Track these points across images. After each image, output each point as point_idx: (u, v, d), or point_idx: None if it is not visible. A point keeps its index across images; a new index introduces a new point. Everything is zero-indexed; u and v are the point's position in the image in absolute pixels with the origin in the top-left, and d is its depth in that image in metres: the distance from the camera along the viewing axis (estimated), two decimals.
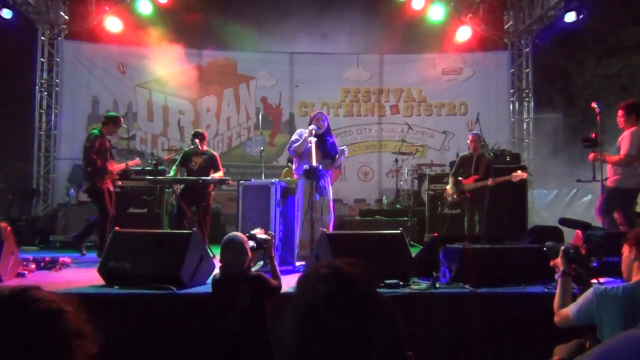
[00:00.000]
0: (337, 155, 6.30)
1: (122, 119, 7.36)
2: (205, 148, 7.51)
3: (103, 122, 7.08)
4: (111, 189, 6.97)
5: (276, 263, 3.79)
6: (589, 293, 2.58)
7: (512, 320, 4.16)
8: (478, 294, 4.27)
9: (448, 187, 7.76)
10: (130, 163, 7.39)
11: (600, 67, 13.64)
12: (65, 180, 10.40)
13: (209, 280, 4.71)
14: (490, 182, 7.26)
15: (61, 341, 1.01)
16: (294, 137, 6.30)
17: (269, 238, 3.73)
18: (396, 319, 1.01)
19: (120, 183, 8.39)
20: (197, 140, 7.41)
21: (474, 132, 7.92)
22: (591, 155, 6.13)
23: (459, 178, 7.55)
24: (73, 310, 1.05)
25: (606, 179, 6.13)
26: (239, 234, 3.61)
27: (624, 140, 5.95)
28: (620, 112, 6.10)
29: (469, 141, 7.72)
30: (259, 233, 3.71)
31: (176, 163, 7.49)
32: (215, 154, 7.71)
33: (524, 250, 5.10)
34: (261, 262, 4.88)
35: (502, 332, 4.11)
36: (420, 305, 4.15)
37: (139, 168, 8.19)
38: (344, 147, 6.59)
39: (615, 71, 13.52)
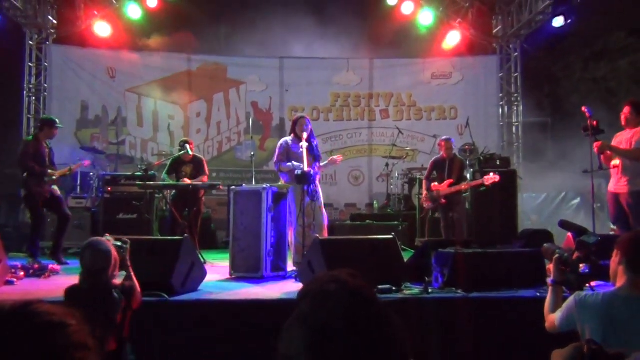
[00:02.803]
0: (319, 160, 6.32)
1: (57, 120, 7.02)
2: (192, 154, 7.51)
3: (39, 127, 6.97)
4: (55, 194, 6.85)
5: (132, 272, 3.46)
6: (570, 300, 2.60)
7: (504, 324, 4.17)
8: (470, 298, 4.28)
9: (423, 193, 7.86)
10: (73, 167, 7.27)
11: (587, 71, 13.78)
12: None
13: (200, 287, 4.71)
14: (464, 186, 7.37)
15: (63, 355, 1.00)
16: (278, 148, 6.32)
17: (125, 245, 3.42)
18: (401, 327, 1.02)
19: (109, 189, 8.35)
20: (187, 146, 7.43)
21: (445, 137, 7.97)
22: (597, 144, 5.85)
23: (434, 184, 7.62)
24: (76, 323, 1.04)
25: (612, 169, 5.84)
26: (103, 240, 3.26)
27: (637, 135, 5.74)
28: (627, 109, 5.86)
29: (439, 146, 7.89)
30: (112, 240, 3.36)
31: (165, 171, 7.47)
32: (203, 158, 7.74)
33: (515, 255, 5.14)
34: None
35: (495, 336, 4.13)
36: (412, 310, 4.16)
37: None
38: (338, 157, 6.55)
39: (601, 75, 13.67)
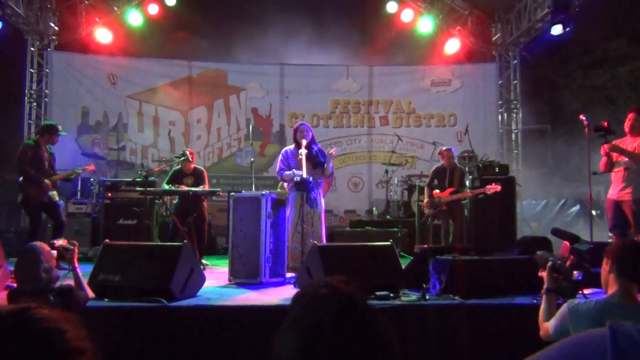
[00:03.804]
0: (325, 163, 6.30)
1: (58, 127, 7.04)
2: (192, 166, 7.52)
3: (39, 132, 6.98)
4: (53, 199, 6.88)
5: (79, 273, 3.51)
6: (563, 308, 2.62)
7: (501, 331, 4.18)
8: (467, 305, 4.30)
9: (425, 200, 8.06)
10: (79, 170, 7.25)
11: (587, 79, 13.84)
12: None
13: (199, 292, 4.74)
14: (470, 194, 7.66)
15: None
16: (280, 158, 6.36)
17: (71, 247, 3.48)
18: (391, 333, 1.04)
19: (110, 195, 8.38)
20: (187, 152, 7.45)
21: (446, 147, 8.24)
22: (606, 147, 5.77)
23: (435, 191, 7.86)
24: (73, 328, 1.05)
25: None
26: (38, 243, 3.36)
27: None
28: (632, 115, 5.83)
29: (440, 155, 8.16)
30: (60, 243, 3.46)
31: (165, 181, 7.45)
32: (203, 169, 7.74)
33: (513, 261, 5.15)
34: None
35: (492, 343, 4.14)
36: (410, 316, 4.17)
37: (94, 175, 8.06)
38: (333, 149, 6.52)
39: (601, 82, 13.72)
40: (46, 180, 6.73)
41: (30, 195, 6.69)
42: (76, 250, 3.52)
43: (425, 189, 8.17)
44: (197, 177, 7.44)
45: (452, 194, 7.69)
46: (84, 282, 3.48)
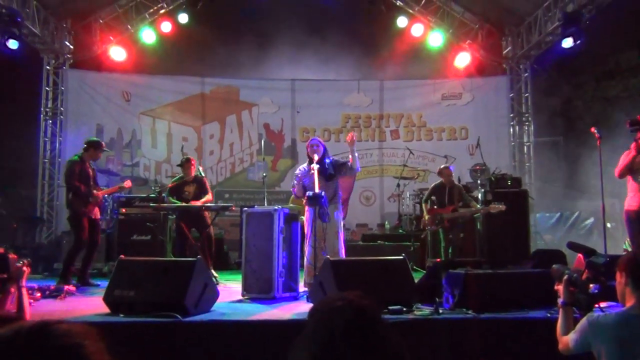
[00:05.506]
0: (345, 164, 6.31)
1: (103, 143, 7.17)
2: (193, 173, 7.56)
3: (84, 148, 7.04)
4: (97, 216, 6.96)
5: (24, 296, 3.26)
6: (583, 322, 2.62)
7: (515, 345, 4.16)
8: (481, 319, 4.28)
9: (425, 215, 8.13)
10: (124, 185, 7.34)
11: (599, 90, 13.77)
12: None
13: (213, 307, 4.76)
14: (475, 211, 7.84)
15: None
16: (295, 181, 6.41)
17: (19, 265, 3.27)
18: (402, 346, 1.06)
19: (124, 210, 8.45)
20: (191, 160, 7.56)
21: (443, 165, 8.44)
22: None
23: (434, 207, 7.96)
24: (93, 343, 1.06)
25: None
26: None
27: None
28: None
29: (440, 174, 8.21)
30: (20, 264, 3.25)
31: (167, 193, 7.50)
32: (203, 176, 7.76)
33: (526, 275, 5.13)
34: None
35: (505, 357, 4.11)
36: (423, 331, 4.16)
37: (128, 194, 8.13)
38: (349, 135, 6.51)
39: (613, 94, 13.64)
40: (93, 195, 6.81)
41: (79, 212, 6.74)
42: (26, 271, 3.29)
43: (423, 204, 8.27)
44: (199, 184, 7.51)
45: (453, 211, 7.78)
46: (28, 307, 3.23)
